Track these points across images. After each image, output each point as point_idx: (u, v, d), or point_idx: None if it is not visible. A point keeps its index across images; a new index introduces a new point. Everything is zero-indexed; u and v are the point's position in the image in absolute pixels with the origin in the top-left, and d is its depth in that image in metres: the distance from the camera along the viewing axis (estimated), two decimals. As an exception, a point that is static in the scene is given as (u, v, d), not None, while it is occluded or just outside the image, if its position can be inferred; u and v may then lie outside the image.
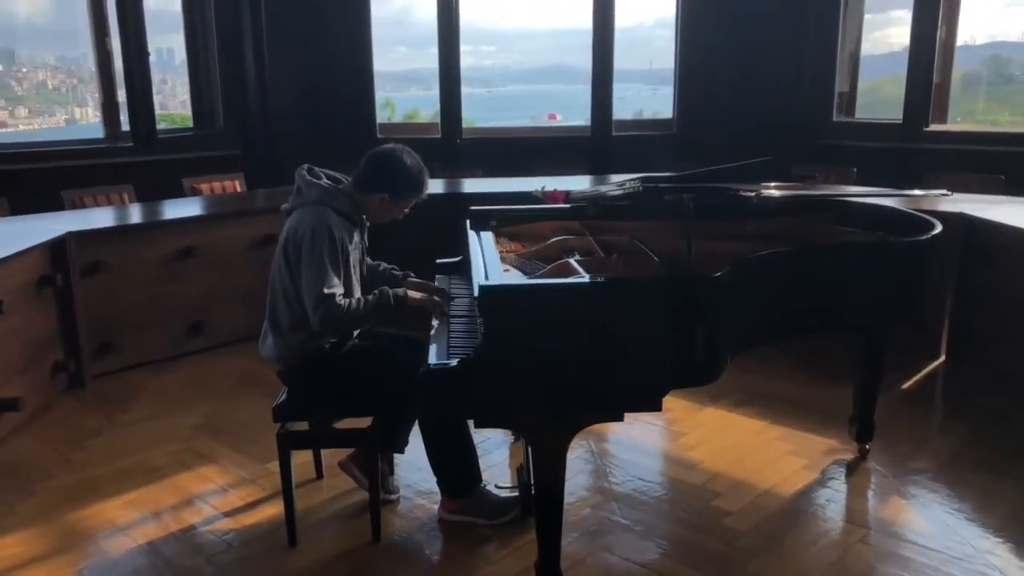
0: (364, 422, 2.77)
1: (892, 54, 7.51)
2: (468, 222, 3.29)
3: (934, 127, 6.27)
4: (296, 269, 2.63)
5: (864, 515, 2.88)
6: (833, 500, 2.99)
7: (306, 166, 2.79)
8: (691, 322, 2.17)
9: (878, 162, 6.04)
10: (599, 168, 6.67)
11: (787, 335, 2.70)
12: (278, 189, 5.42)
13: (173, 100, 7.91)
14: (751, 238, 2.97)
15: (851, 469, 3.23)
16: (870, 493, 3.05)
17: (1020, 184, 5.01)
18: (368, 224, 2.86)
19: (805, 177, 5.46)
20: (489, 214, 3.39)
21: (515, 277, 2.59)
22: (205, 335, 4.76)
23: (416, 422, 2.90)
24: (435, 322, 2.72)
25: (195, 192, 5.78)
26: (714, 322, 2.21)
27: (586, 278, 2.32)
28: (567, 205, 3.46)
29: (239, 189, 6.02)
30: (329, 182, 2.75)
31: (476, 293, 2.16)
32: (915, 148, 6.19)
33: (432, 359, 2.25)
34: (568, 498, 2.76)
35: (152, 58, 6.40)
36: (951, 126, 6.36)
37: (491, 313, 2.11)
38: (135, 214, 4.99)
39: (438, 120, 7.11)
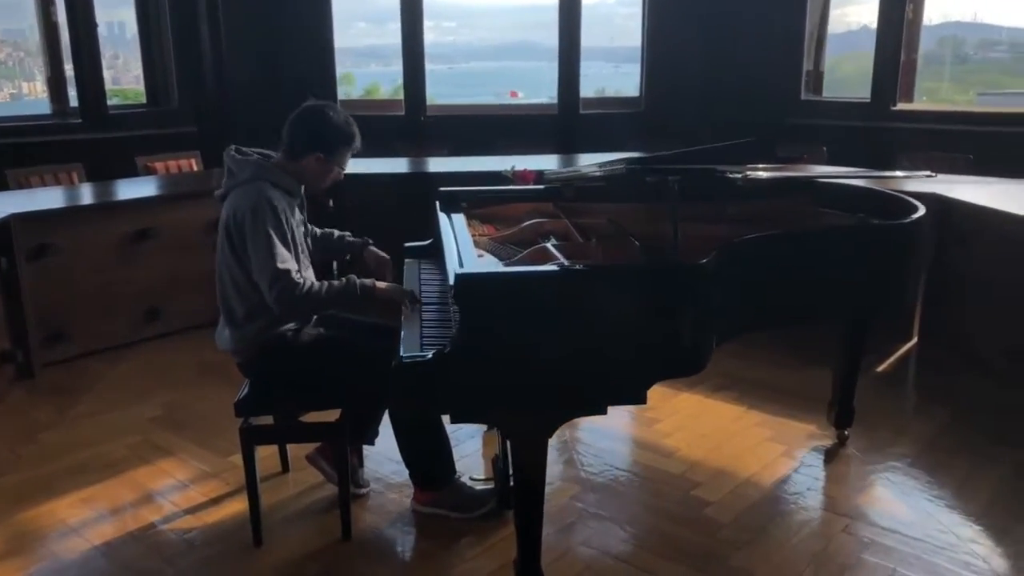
0: (332, 414, 2.65)
1: (850, 32, 7.50)
2: (438, 204, 3.15)
3: (901, 106, 6.25)
4: (243, 252, 2.48)
5: (846, 503, 2.83)
6: (813, 488, 2.94)
7: (232, 147, 2.64)
8: (677, 311, 2.08)
9: (847, 141, 6.00)
10: (567, 147, 6.55)
11: (773, 323, 2.62)
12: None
13: (126, 75, 7.63)
14: (733, 221, 2.89)
15: (831, 456, 3.18)
16: (851, 480, 3.01)
17: (988, 164, 4.99)
18: (305, 197, 2.72)
19: (792, 159, 5.40)
20: (460, 195, 3.25)
21: (490, 263, 2.47)
22: (162, 321, 4.57)
23: (386, 412, 2.78)
24: (406, 309, 2.59)
25: (149, 171, 5.56)
26: (700, 311, 2.11)
27: (567, 265, 2.21)
28: (540, 186, 3.33)
29: (195, 168, 5.80)
30: (260, 157, 2.61)
31: (451, 281, 2.04)
32: (883, 127, 6.17)
33: (404, 351, 2.13)
34: (545, 491, 2.66)
35: (103, 32, 6.13)
36: (918, 105, 6.35)
37: (468, 303, 2.00)
38: (85, 194, 4.77)
39: (400, 97, 6.92)
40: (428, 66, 6.86)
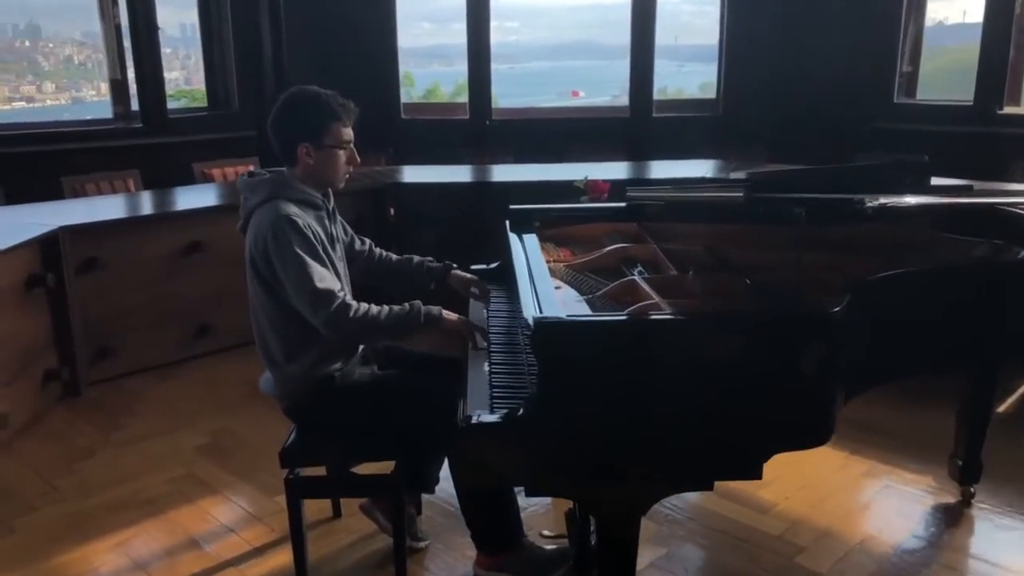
0: (387, 464, 2.35)
1: (935, 27, 6.91)
2: (508, 223, 2.84)
3: (1009, 109, 5.71)
4: (273, 282, 2.19)
5: (978, 578, 2.42)
6: (938, 560, 2.53)
7: (248, 170, 2.36)
8: (802, 369, 1.71)
9: (947, 148, 5.49)
10: (638, 153, 6.18)
11: (908, 372, 2.23)
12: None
13: (197, 75, 7.51)
14: (840, 247, 2.48)
15: (955, 517, 2.76)
16: (984, 550, 2.58)
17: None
18: (335, 208, 2.42)
19: (959, 188, 4.92)
20: (532, 214, 2.93)
21: (570, 299, 2.13)
22: (212, 338, 4.35)
23: (447, 459, 2.46)
24: (472, 347, 2.28)
25: (206, 178, 5.37)
26: (830, 367, 1.75)
27: (668, 311, 1.85)
28: (620, 204, 2.98)
29: (253, 175, 5.59)
30: (273, 174, 2.32)
31: (528, 325, 1.72)
32: (989, 132, 5.64)
33: (471, 411, 1.80)
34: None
35: (175, 33, 5.98)
36: (1030, 109, 5.80)
37: (549, 355, 1.67)
38: (137, 204, 4.58)
39: (461, 97, 6.64)
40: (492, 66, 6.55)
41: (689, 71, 8.59)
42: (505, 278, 2.83)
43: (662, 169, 5.21)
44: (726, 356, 1.67)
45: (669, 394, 1.67)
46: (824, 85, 6.24)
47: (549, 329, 1.67)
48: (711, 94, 6.82)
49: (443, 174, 5.28)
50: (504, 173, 5.26)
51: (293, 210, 2.21)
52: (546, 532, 2.56)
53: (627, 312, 1.84)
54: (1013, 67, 5.71)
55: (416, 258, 2.64)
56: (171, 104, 6.20)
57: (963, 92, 5.92)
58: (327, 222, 2.36)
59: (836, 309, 1.73)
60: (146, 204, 4.56)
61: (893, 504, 2.83)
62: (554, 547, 2.46)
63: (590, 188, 4.11)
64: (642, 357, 1.67)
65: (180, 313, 4.23)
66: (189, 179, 5.32)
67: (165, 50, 6.15)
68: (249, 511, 2.86)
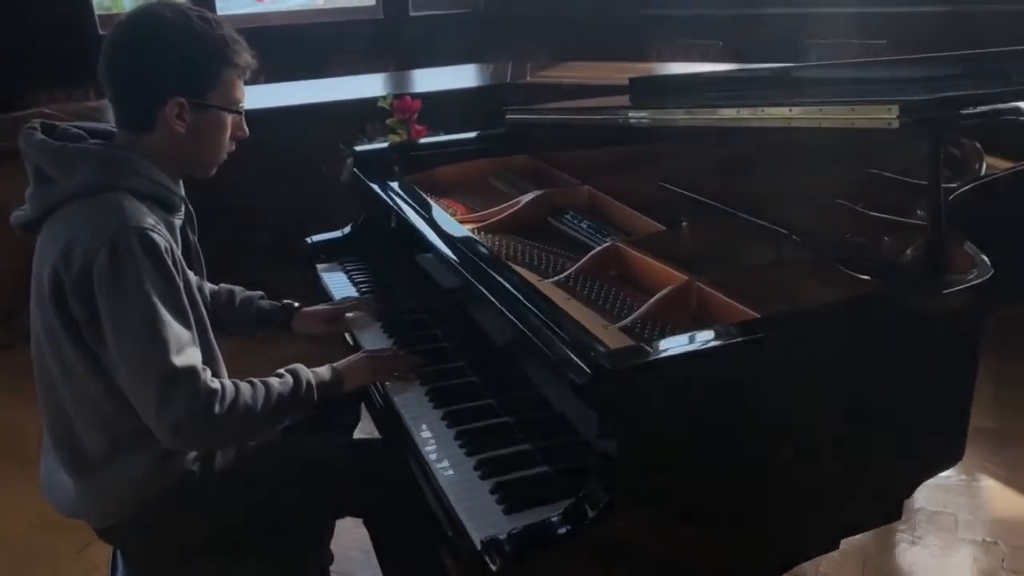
0: None
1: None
2: (355, 170, 2.07)
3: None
4: (94, 336, 1.29)
5: None
6: None
7: (36, 123, 1.40)
8: (959, 362, 1.19)
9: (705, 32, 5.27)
10: (400, 60, 5.36)
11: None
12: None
13: None
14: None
15: None
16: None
17: None
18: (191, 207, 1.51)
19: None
20: (382, 156, 2.15)
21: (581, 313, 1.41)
22: None
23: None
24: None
25: None
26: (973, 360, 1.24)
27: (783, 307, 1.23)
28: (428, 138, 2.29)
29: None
30: (98, 141, 1.39)
31: (583, 373, 1.03)
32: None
33: (477, 527, 1.09)
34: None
35: None
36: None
37: (635, 417, 1.00)
38: None
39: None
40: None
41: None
42: (370, 248, 2.07)
43: (428, 77, 4.43)
44: (884, 354, 1.10)
45: (807, 427, 1.09)
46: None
47: (629, 377, 0.99)
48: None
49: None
50: (271, 96, 3.95)
51: (146, 218, 1.29)
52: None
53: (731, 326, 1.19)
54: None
55: (238, 291, 1.77)
56: None
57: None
58: (188, 234, 1.44)
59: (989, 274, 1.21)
60: None
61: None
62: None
63: (397, 108, 3.33)
64: (771, 384, 1.06)
65: None
66: None
67: None
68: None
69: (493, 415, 1.38)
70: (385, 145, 2.35)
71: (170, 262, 1.29)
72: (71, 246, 1.26)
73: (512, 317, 1.24)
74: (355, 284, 1.97)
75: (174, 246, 1.34)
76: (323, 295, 1.99)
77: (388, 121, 3.31)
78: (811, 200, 1.75)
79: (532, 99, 3.76)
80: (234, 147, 1.48)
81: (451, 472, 1.25)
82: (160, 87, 1.34)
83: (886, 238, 1.59)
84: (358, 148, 2.15)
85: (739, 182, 1.83)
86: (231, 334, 1.70)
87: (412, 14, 5.79)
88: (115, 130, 1.42)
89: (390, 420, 1.47)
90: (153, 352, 1.24)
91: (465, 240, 1.59)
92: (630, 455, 1.01)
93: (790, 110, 1.24)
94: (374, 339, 1.73)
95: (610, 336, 1.21)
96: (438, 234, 1.62)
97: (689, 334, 1.07)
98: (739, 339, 1.07)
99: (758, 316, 1.16)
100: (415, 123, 3.33)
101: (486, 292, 1.34)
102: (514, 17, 5.74)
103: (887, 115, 1.08)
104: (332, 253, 2.12)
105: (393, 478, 1.41)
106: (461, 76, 4.48)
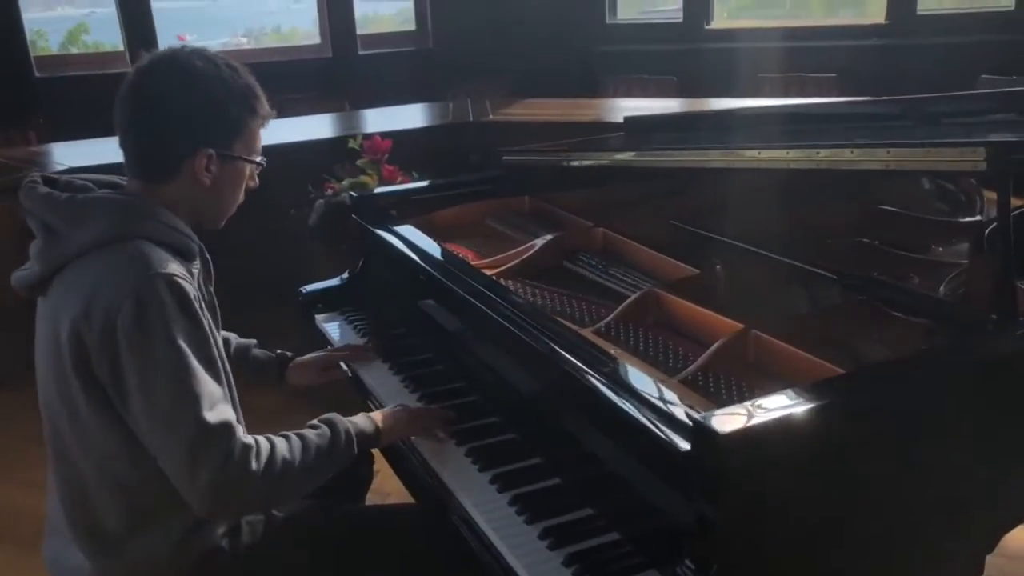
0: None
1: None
2: (355, 217, 1.99)
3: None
4: (117, 396, 1.18)
5: None
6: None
7: (37, 175, 1.30)
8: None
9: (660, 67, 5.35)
10: (351, 99, 5.28)
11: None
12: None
13: None
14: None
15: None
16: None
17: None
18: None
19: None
20: (378, 201, 2.08)
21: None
22: None
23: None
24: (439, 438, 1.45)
25: None
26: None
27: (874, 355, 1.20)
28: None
29: None
30: (108, 191, 1.30)
31: (683, 438, 0.97)
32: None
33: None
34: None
35: None
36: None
37: (733, 490, 0.95)
38: None
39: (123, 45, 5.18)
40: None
41: (305, 7, 7.72)
42: (362, 297, 1.99)
43: (398, 116, 4.36)
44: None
45: (906, 484, 1.05)
46: (537, 10, 5.80)
47: (752, 440, 0.94)
48: (410, 25, 6.09)
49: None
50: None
51: (173, 265, 1.21)
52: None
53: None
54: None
55: (232, 339, 1.68)
56: None
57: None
58: (204, 287, 1.34)
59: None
60: None
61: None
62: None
63: (368, 148, 3.25)
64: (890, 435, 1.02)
65: None
66: None
67: None
68: None
69: (545, 476, 1.30)
70: (388, 190, 2.27)
71: (195, 310, 1.20)
72: (91, 301, 1.16)
73: (595, 383, 1.16)
74: (363, 337, 1.88)
75: (201, 296, 1.25)
76: (320, 346, 1.90)
77: (359, 162, 3.23)
78: (829, 238, 1.75)
79: (498, 137, 3.75)
80: (243, 198, 1.40)
81: (515, 541, 1.17)
82: (191, 138, 1.27)
83: (914, 276, 1.59)
84: (356, 194, 2.08)
85: (753, 220, 1.80)
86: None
87: (361, 52, 5.73)
88: (121, 181, 1.33)
89: (428, 483, 1.38)
90: (184, 408, 1.14)
91: (497, 289, 1.52)
92: (733, 522, 0.95)
93: (852, 152, 1.22)
94: (383, 379, 1.68)
95: (679, 392, 1.16)
96: (465, 285, 1.55)
97: (785, 392, 1.01)
98: (846, 393, 1.03)
99: (838, 369, 1.13)
100: (385, 163, 3.26)
101: (541, 349, 1.27)
102: (464, 54, 5.71)
103: (973, 158, 1.07)
104: (329, 302, 2.03)
105: (439, 550, 1.32)
106: (422, 115, 4.43)
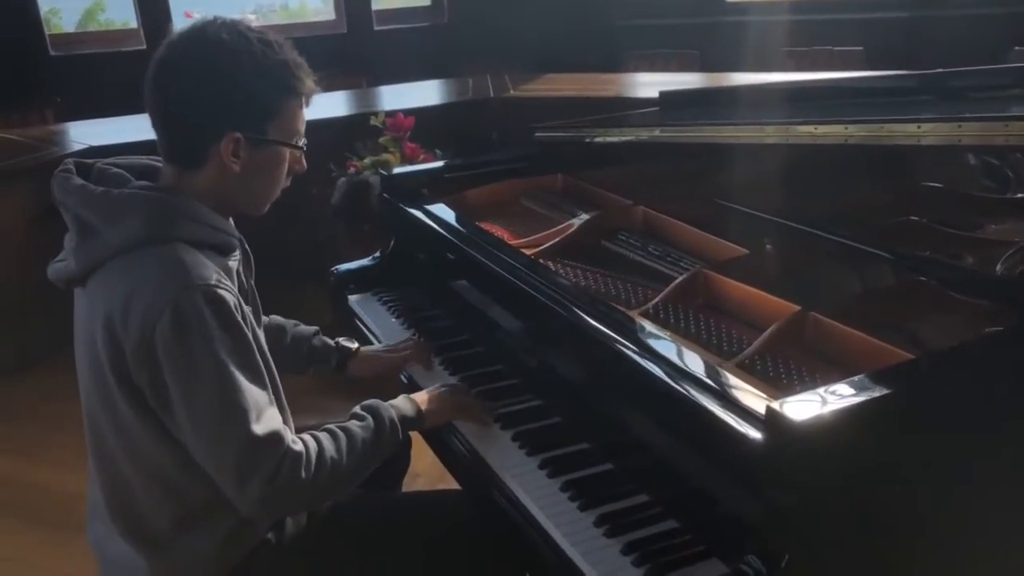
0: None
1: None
2: (386, 195, 1.96)
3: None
4: (161, 403, 1.15)
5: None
6: None
7: (71, 163, 1.25)
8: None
9: (679, 41, 5.26)
10: (368, 75, 5.22)
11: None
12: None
13: None
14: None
15: None
16: None
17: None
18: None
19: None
20: (410, 180, 2.04)
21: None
22: None
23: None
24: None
25: None
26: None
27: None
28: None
29: None
30: (144, 183, 1.24)
31: (756, 429, 0.94)
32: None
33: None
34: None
35: None
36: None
37: (805, 480, 0.92)
38: None
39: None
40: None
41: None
42: (394, 277, 1.97)
43: (417, 93, 4.30)
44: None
45: (979, 470, 1.01)
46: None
47: (828, 429, 0.90)
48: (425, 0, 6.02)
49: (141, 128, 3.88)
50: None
51: (210, 272, 1.14)
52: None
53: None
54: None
55: (289, 327, 1.62)
56: None
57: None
58: (244, 279, 1.29)
59: None
60: None
61: None
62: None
63: (390, 126, 3.21)
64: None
65: None
66: None
67: None
68: None
69: (596, 462, 1.27)
70: (417, 168, 2.23)
71: (239, 315, 1.16)
72: (129, 305, 1.12)
73: (653, 369, 1.13)
74: (398, 318, 1.85)
75: (241, 300, 1.21)
76: (353, 327, 1.87)
77: (381, 140, 3.19)
78: (876, 216, 1.70)
79: (522, 113, 3.70)
80: (290, 182, 1.35)
81: (569, 529, 1.14)
82: (214, 122, 1.19)
83: (968, 256, 1.54)
84: (389, 172, 2.04)
85: (796, 198, 1.76)
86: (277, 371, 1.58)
87: (376, 28, 5.66)
88: (158, 164, 1.29)
89: (474, 468, 1.35)
90: (232, 424, 1.11)
91: (539, 269, 1.49)
92: (806, 513, 0.92)
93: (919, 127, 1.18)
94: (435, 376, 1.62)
95: (739, 376, 1.13)
96: (506, 265, 1.51)
97: (853, 379, 0.98)
98: (921, 380, 1.00)
99: (907, 354, 1.09)
100: (407, 141, 3.22)
101: (593, 333, 1.24)
102: (480, 30, 5.64)
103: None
104: (360, 283, 2.00)
105: (485, 536, 1.30)
106: (441, 91, 4.37)
